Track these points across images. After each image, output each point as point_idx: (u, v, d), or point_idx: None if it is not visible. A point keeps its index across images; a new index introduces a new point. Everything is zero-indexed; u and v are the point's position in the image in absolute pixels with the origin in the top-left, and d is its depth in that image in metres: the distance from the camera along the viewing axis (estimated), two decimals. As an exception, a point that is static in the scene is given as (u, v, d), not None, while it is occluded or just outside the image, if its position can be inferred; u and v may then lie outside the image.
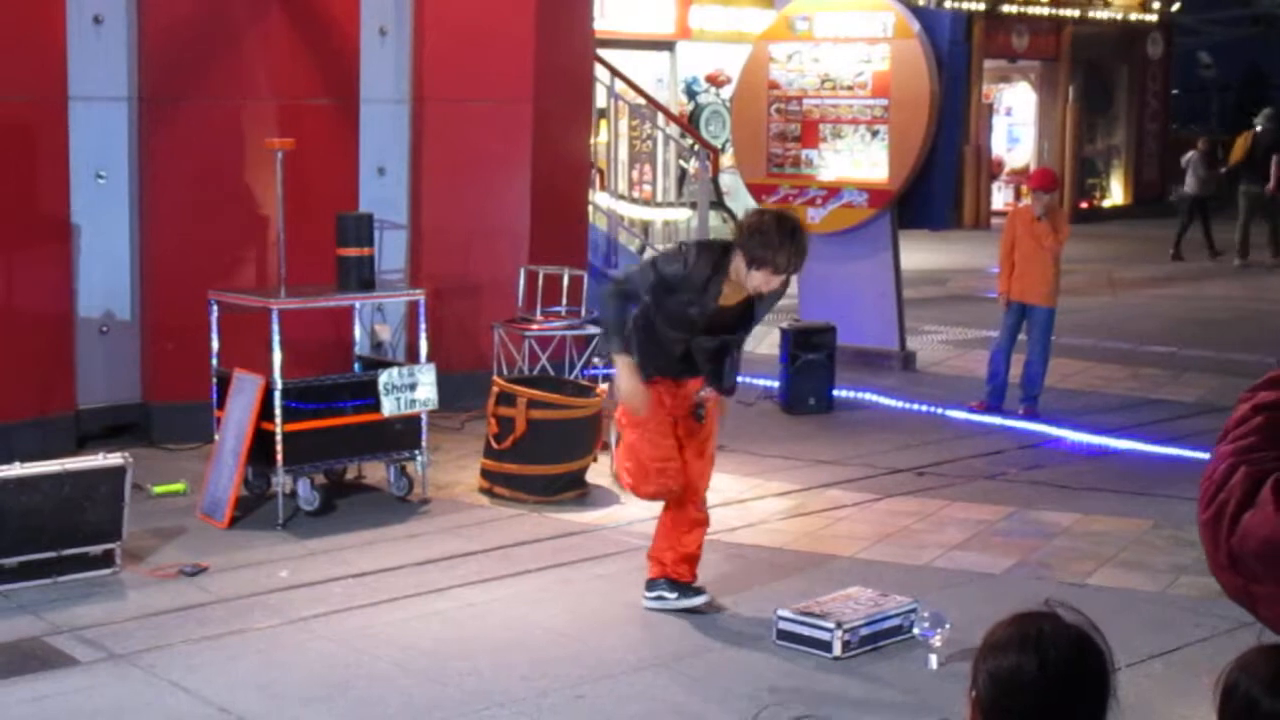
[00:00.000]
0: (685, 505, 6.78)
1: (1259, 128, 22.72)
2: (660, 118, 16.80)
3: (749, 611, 6.73)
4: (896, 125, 12.56)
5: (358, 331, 9.42)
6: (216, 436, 8.22)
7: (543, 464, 8.54)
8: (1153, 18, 31.29)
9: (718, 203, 17.82)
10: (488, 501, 8.61)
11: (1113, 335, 14.90)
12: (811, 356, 11.19)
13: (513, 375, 9.52)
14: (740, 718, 5.58)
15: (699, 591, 6.78)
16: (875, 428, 10.70)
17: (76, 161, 9.44)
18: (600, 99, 14.02)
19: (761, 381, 11.84)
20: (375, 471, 8.82)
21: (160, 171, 9.71)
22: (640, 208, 16.45)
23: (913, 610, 6.46)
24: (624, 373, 6.48)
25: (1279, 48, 43.06)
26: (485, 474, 8.75)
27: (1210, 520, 2.60)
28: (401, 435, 8.45)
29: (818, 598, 6.51)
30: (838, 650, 6.17)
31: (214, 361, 8.48)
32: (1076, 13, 29.41)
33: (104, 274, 9.70)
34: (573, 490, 8.66)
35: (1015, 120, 30.55)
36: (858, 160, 12.84)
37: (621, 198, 15.18)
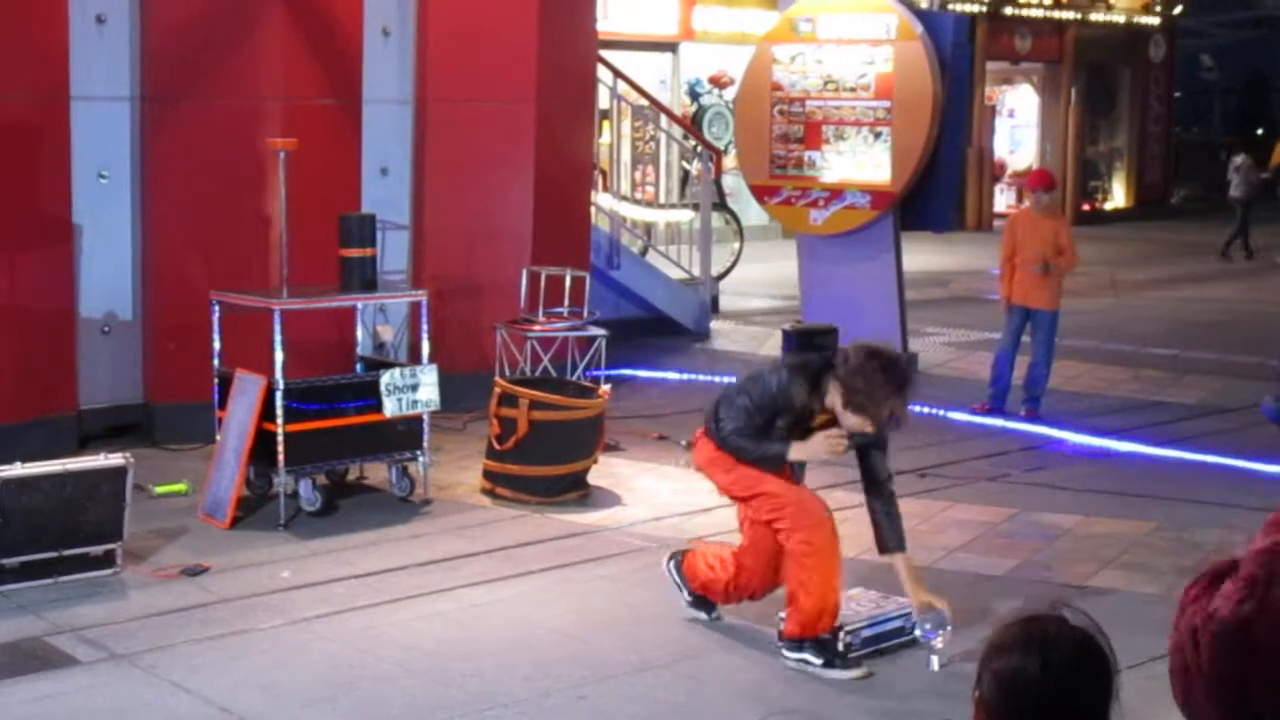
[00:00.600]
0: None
1: None
2: (663, 119, 16.82)
3: (751, 613, 6.72)
4: (899, 127, 12.54)
5: (360, 332, 9.42)
6: (218, 437, 8.21)
7: (545, 465, 8.53)
8: (1155, 20, 31.31)
9: (720, 204, 17.83)
10: (490, 502, 8.60)
11: (1115, 337, 14.89)
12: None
13: (515, 376, 9.51)
14: (740, 719, 5.58)
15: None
16: (877, 429, 10.67)
17: (78, 161, 9.44)
18: (603, 100, 14.03)
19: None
20: (377, 472, 8.81)
21: (162, 171, 9.71)
22: (643, 209, 16.46)
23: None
24: (798, 452, 6.14)
25: (1281, 50, 43.07)
26: (487, 475, 8.75)
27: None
28: (403, 436, 8.45)
29: (820, 599, 6.49)
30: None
31: (216, 362, 8.48)
32: (1079, 15, 29.42)
33: (106, 274, 9.70)
34: (575, 491, 8.65)
35: (1018, 122, 30.55)
36: (860, 162, 12.83)
37: (624, 199, 15.20)
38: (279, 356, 7.97)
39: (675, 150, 18.75)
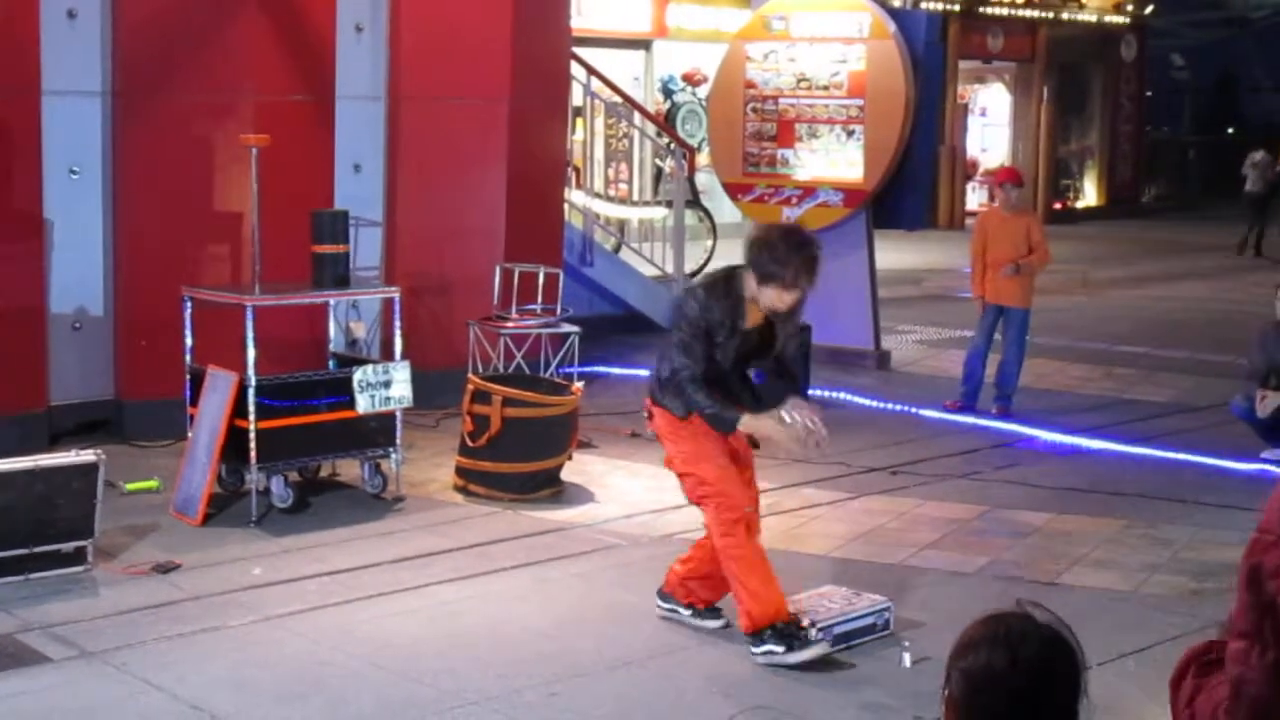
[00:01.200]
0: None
1: None
2: (637, 116, 16.79)
3: (724, 610, 6.72)
4: (872, 125, 12.58)
5: (332, 329, 9.40)
6: (190, 433, 8.19)
7: (518, 462, 8.53)
8: (1126, 20, 31.45)
9: (694, 201, 17.83)
10: (462, 499, 8.60)
11: (1086, 336, 14.97)
12: (786, 355, 11.18)
13: (488, 373, 9.51)
14: (714, 716, 5.59)
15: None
16: (850, 427, 10.70)
17: (50, 156, 9.40)
18: (576, 97, 14.03)
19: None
20: (349, 469, 8.80)
21: (134, 167, 9.67)
22: (616, 206, 16.45)
23: (887, 609, 6.48)
24: (754, 424, 6.17)
25: (1251, 50, 43.27)
26: (460, 472, 8.74)
27: None
28: (376, 433, 8.44)
29: (792, 596, 6.51)
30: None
31: (188, 358, 8.45)
32: (1051, 14, 29.52)
33: (77, 270, 9.65)
34: (548, 488, 8.65)
35: (990, 121, 30.66)
36: (833, 160, 12.87)
37: (598, 196, 15.19)
38: (251, 353, 7.95)
39: (649, 147, 18.73)
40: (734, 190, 13.62)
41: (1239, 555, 7.99)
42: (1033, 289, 11.23)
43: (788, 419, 6.10)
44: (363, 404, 8.24)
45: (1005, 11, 28.52)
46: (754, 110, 13.30)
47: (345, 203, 9.81)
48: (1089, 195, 31.79)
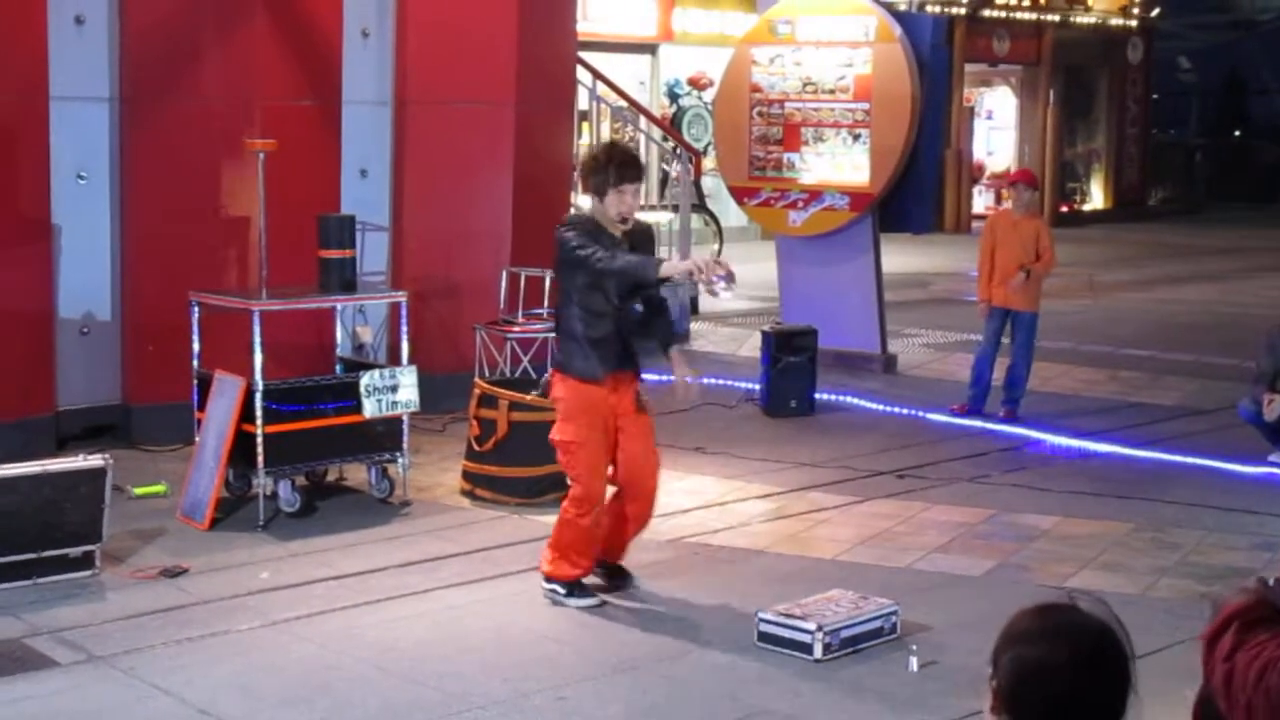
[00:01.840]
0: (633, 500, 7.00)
1: None
2: (642, 120, 16.81)
3: (730, 613, 6.73)
4: (878, 129, 12.58)
5: (339, 333, 9.41)
6: (197, 438, 8.20)
7: (524, 466, 8.53)
8: (1133, 23, 31.42)
9: (699, 205, 17.85)
10: (469, 503, 8.60)
11: (1093, 339, 14.95)
12: (793, 359, 11.20)
13: (494, 377, 9.51)
14: (721, 719, 5.60)
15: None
16: (856, 430, 10.71)
17: (57, 162, 9.41)
18: (582, 101, 14.03)
19: (743, 384, 11.86)
20: (356, 473, 8.81)
21: (141, 172, 9.68)
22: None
23: (894, 613, 6.48)
24: (675, 266, 6.88)
25: (1258, 52, 43.23)
26: (467, 476, 8.75)
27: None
28: (383, 437, 8.44)
29: (799, 600, 6.52)
30: (818, 653, 6.18)
31: (195, 363, 8.46)
32: (1057, 17, 29.51)
33: (85, 274, 9.67)
34: (554, 492, 8.62)
35: (996, 124, 30.64)
36: (839, 164, 12.86)
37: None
38: (258, 357, 7.96)
39: (655, 151, 18.76)
40: (740, 194, 13.62)
41: (1247, 559, 8.03)
42: (1040, 293, 11.22)
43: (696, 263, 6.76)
44: (369, 408, 8.25)
45: (1011, 14, 28.52)
46: (760, 114, 13.31)
47: (352, 207, 9.82)
48: (1095, 198, 31.76)
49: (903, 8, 19.70)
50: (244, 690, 5.80)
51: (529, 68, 11.11)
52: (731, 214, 18.97)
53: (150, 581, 7.05)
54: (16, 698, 5.69)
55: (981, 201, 28.60)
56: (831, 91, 12.90)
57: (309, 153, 9.93)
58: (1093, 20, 30.47)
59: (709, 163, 19.82)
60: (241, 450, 7.93)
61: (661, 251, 14.86)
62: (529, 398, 8.68)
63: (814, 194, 12.91)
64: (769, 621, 6.34)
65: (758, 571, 7.44)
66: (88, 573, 7.04)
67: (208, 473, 7.97)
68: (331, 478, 8.84)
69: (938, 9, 25.21)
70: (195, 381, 8.42)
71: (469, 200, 11.00)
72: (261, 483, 7.98)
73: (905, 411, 11.29)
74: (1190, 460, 9.79)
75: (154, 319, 9.54)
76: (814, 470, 9.51)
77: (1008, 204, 11.45)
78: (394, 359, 9.24)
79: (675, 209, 15.52)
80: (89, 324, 9.75)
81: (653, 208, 17.50)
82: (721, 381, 12.12)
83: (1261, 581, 2.75)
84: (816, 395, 11.36)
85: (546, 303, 10.45)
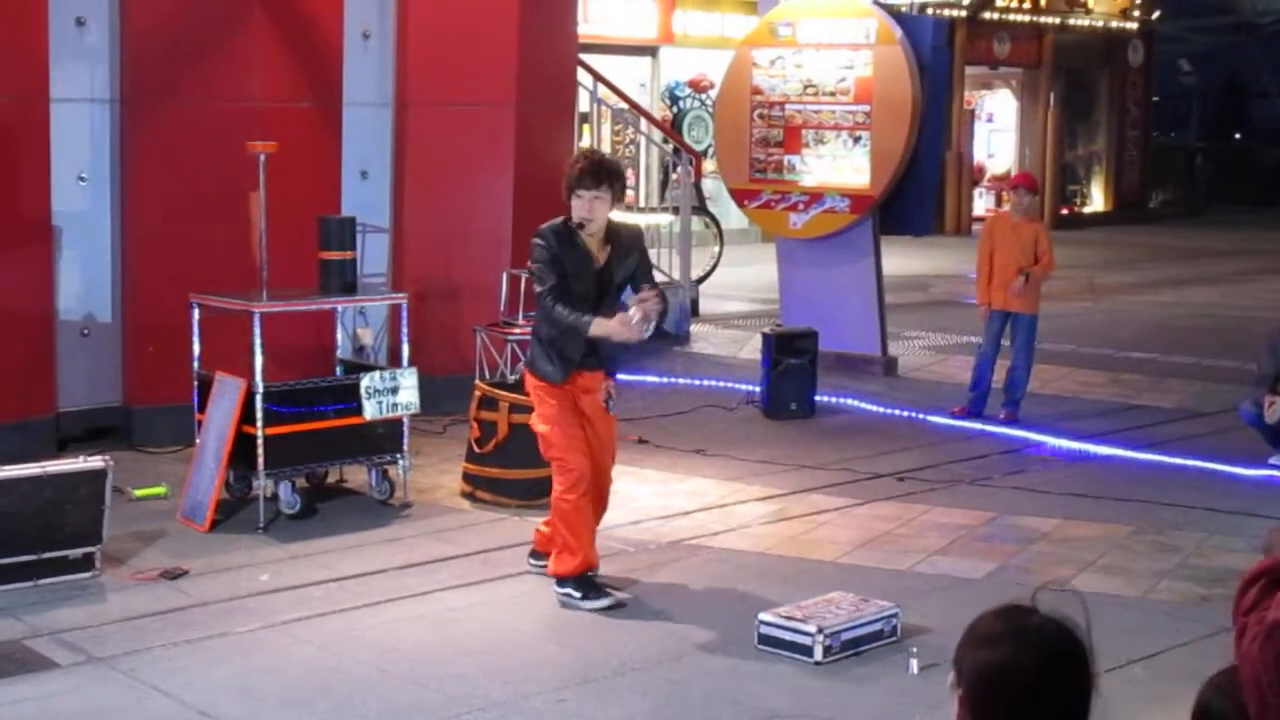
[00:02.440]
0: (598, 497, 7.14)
1: None
2: (643, 122, 16.82)
3: (730, 616, 6.73)
4: (878, 131, 12.58)
5: (340, 335, 9.41)
6: (198, 440, 8.20)
7: (525, 468, 8.52)
8: (1134, 25, 31.43)
9: (700, 207, 17.85)
10: (469, 505, 8.60)
11: (1093, 341, 14.95)
12: (793, 361, 11.20)
13: (495, 379, 9.51)
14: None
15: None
16: (857, 433, 10.71)
17: (58, 163, 9.41)
18: (583, 103, 14.03)
19: (744, 386, 11.85)
20: (357, 475, 8.80)
21: (142, 173, 9.69)
22: (623, 213, 16.45)
23: (894, 615, 6.47)
24: (603, 326, 6.77)
25: (1259, 55, 43.25)
26: (467, 478, 8.75)
27: None
28: (383, 439, 8.44)
29: (799, 602, 6.52)
30: (819, 655, 6.17)
31: (195, 364, 8.46)
32: (1058, 20, 29.52)
33: (85, 276, 9.68)
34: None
35: (997, 126, 30.65)
36: (840, 166, 12.86)
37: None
38: (259, 359, 7.96)
39: (655, 154, 18.76)
40: (740, 196, 13.61)
41: (1247, 561, 8.06)
42: (1040, 295, 11.22)
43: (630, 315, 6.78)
44: (370, 410, 8.25)
45: (1012, 17, 28.53)
46: (760, 116, 13.30)
47: (352, 209, 9.83)
48: (1096, 201, 31.77)
49: (904, 10, 19.69)
50: (244, 692, 5.80)
51: (530, 69, 11.11)
52: (732, 216, 18.97)
53: (150, 583, 7.05)
54: (17, 699, 5.69)
55: (982, 204, 28.61)
56: (832, 94, 12.90)
57: (309, 154, 9.93)
58: (1093, 23, 30.48)
59: (709, 165, 19.83)
60: (242, 452, 7.93)
61: (662, 254, 14.89)
62: (530, 400, 8.67)
63: (814, 196, 12.91)
64: (769, 624, 6.34)
65: (758, 573, 7.44)
66: (88, 574, 7.04)
67: (208, 474, 7.96)
68: (332, 480, 8.84)
69: (938, 11, 25.20)
70: (196, 383, 8.42)
71: (469, 202, 11.00)
72: (262, 484, 7.98)
73: (906, 414, 11.29)
74: (1191, 463, 9.78)
75: (154, 320, 9.54)
76: (814, 472, 9.51)
77: (1008, 207, 11.43)
78: (394, 361, 9.24)
79: (676, 211, 15.52)
80: (89, 325, 9.75)
81: (653, 210, 17.51)
82: (722, 384, 12.12)
83: None
84: (817, 397, 11.36)
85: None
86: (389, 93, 10.90)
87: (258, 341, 7.98)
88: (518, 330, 10.24)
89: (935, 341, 14.85)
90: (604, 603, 6.85)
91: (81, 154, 9.63)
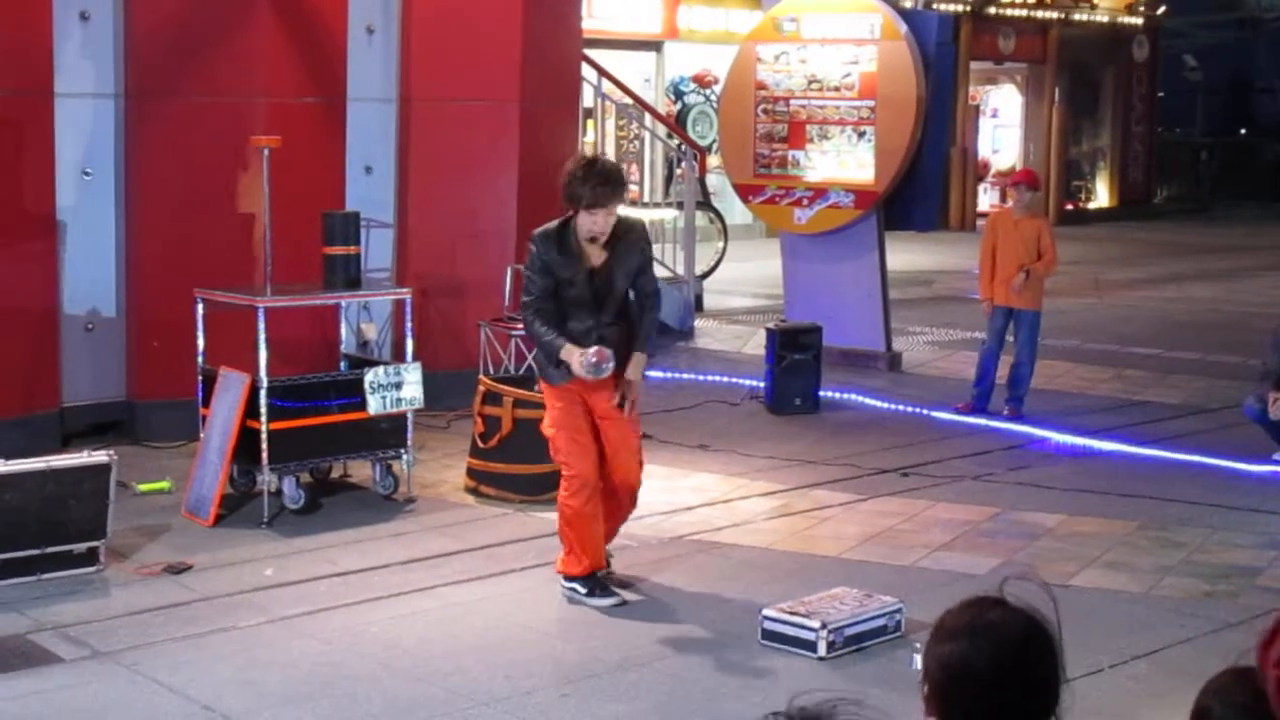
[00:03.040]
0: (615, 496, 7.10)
1: None
2: (647, 118, 16.82)
3: (734, 611, 6.73)
4: (883, 127, 12.57)
5: (344, 330, 9.41)
6: (202, 434, 8.20)
7: (529, 463, 8.53)
8: (1139, 20, 31.39)
9: (704, 203, 17.84)
10: (473, 500, 8.60)
11: (1098, 337, 14.94)
12: (798, 357, 11.20)
13: (499, 374, 9.52)
14: (724, 717, 5.58)
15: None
16: (861, 428, 10.71)
17: (62, 158, 9.42)
18: (587, 99, 14.03)
19: (748, 381, 11.85)
20: (361, 470, 8.81)
21: (146, 168, 9.69)
22: (627, 208, 16.45)
23: (898, 611, 6.47)
24: (570, 355, 6.71)
25: (1264, 51, 43.19)
26: (471, 473, 8.75)
27: None
28: (387, 434, 8.44)
29: (803, 598, 6.52)
30: (823, 650, 6.18)
31: (200, 359, 8.47)
32: (1063, 15, 29.49)
33: (89, 271, 9.68)
34: (558, 490, 8.63)
35: (1001, 122, 30.62)
36: (844, 161, 12.86)
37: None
38: (263, 354, 7.96)
39: (659, 149, 18.75)
40: (745, 192, 13.61)
41: (1251, 557, 8.00)
42: (1043, 291, 11.21)
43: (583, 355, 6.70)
44: (374, 405, 8.25)
45: (1017, 12, 28.50)
46: (765, 112, 13.30)
47: (356, 204, 9.83)
48: (1101, 196, 31.74)
49: (908, 5, 19.69)
50: (248, 687, 5.81)
51: (534, 65, 11.11)
52: (736, 211, 18.96)
53: (154, 578, 7.06)
54: (21, 694, 5.70)
55: (986, 199, 28.58)
56: (837, 89, 12.89)
57: (314, 149, 9.93)
58: (1099, 18, 30.45)
59: (714, 160, 19.83)
60: (246, 447, 7.94)
61: (666, 249, 14.90)
62: (534, 395, 8.67)
63: (819, 191, 12.90)
64: (773, 619, 6.34)
65: (762, 569, 7.44)
66: (92, 569, 7.05)
67: (212, 469, 7.97)
68: (336, 474, 8.84)
69: (943, 6, 25.19)
70: (200, 378, 8.42)
71: (474, 197, 11.00)
72: (266, 479, 7.99)
73: (910, 409, 11.28)
74: (1195, 459, 9.77)
75: (159, 315, 9.55)
76: (818, 468, 9.51)
77: (1009, 203, 11.43)
78: (398, 356, 9.25)
79: (680, 206, 15.51)
80: (94, 320, 9.76)
81: (658, 205, 17.50)
82: (726, 379, 12.12)
83: None
84: (821, 393, 11.35)
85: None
86: (393, 88, 10.89)
87: (262, 336, 7.98)
88: (521, 325, 10.24)
89: (939, 337, 14.84)
90: (610, 601, 6.85)
91: (86, 149, 9.63)
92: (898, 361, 12.99)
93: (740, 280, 18.08)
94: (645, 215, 16.37)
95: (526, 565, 7.38)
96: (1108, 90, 31.52)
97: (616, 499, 7.08)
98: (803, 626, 6.24)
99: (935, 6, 24.43)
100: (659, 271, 14.68)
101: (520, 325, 10.20)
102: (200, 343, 8.47)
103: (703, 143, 21.08)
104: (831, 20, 12.90)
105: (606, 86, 14.56)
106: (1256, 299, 18.29)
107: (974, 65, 28.17)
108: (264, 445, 7.90)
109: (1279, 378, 9.51)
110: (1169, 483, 9.24)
